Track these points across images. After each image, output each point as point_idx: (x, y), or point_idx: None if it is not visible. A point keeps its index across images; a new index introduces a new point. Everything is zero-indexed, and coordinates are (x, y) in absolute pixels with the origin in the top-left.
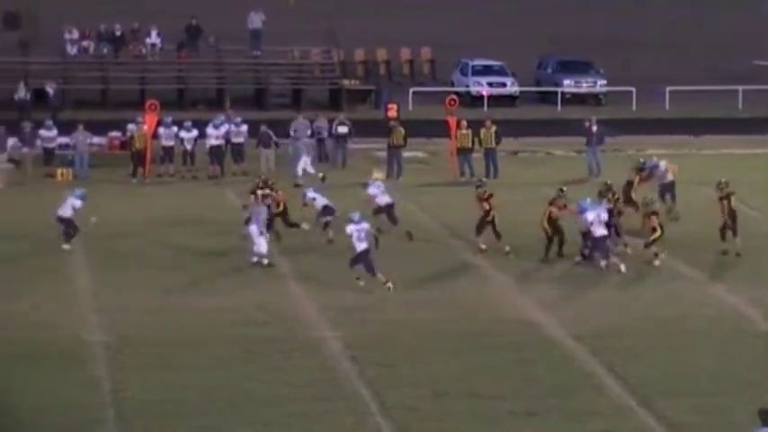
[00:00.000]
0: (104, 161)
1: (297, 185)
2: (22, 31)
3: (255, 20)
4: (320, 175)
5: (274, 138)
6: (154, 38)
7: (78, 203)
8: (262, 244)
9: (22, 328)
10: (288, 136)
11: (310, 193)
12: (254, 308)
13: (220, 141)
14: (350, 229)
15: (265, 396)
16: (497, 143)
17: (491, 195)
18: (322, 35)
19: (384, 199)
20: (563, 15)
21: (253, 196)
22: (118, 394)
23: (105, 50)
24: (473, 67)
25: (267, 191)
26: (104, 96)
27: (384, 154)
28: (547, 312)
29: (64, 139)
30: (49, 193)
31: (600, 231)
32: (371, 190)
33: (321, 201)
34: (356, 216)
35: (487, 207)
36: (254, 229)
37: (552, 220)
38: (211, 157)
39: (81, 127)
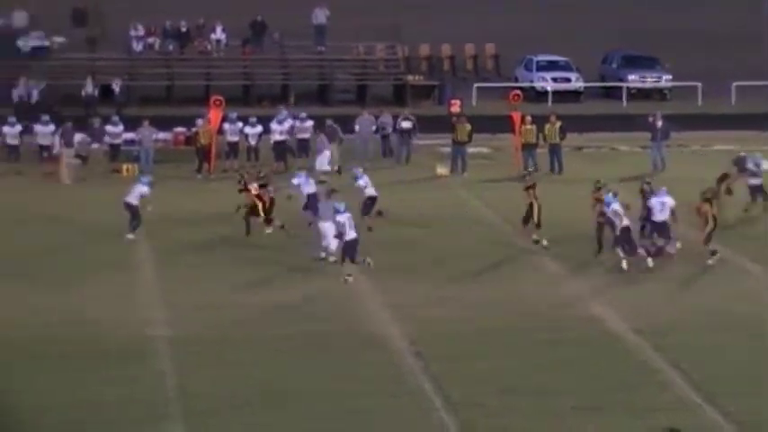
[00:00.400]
0: (169, 157)
1: (320, 182)
2: (89, 28)
3: (320, 15)
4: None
5: (340, 133)
6: (219, 34)
7: (146, 190)
8: (332, 241)
9: (86, 323)
10: (353, 131)
11: (295, 180)
12: (317, 303)
13: (284, 137)
14: (338, 219)
15: (329, 392)
16: (562, 139)
17: (534, 185)
18: (387, 31)
19: (370, 191)
20: (628, 10)
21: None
22: (182, 390)
23: (171, 47)
24: (537, 62)
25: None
26: (170, 92)
27: (448, 150)
28: (608, 307)
29: (129, 135)
30: (115, 188)
31: (625, 222)
32: (360, 182)
33: (307, 188)
34: (341, 207)
35: (531, 197)
36: (326, 225)
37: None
38: (275, 153)
39: (146, 123)
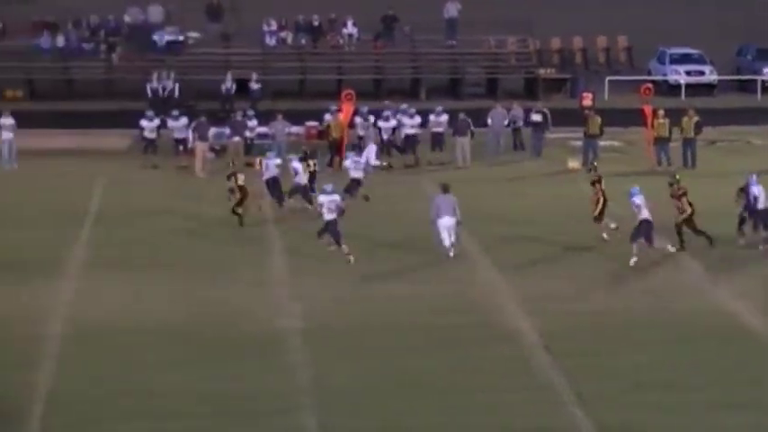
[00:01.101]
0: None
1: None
2: (224, 23)
3: (451, 9)
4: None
5: (472, 127)
6: (350, 28)
7: (278, 161)
8: (445, 238)
9: (222, 315)
10: (485, 125)
11: (295, 164)
12: (449, 296)
13: (416, 131)
14: (321, 199)
15: (459, 384)
16: (698, 133)
17: (600, 179)
18: (518, 24)
19: (356, 174)
20: (764, 2)
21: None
22: (314, 381)
23: (303, 41)
24: (671, 55)
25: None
26: (302, 86)
27: (580, 143)
28: (743, 301)
29: (262, 129)
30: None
31: (644, 215)
32: (348, 163)
33: (300, 177)
34: (329, 188)
35: (599, 192)
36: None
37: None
38: (406, 147)
39: (280, 117)
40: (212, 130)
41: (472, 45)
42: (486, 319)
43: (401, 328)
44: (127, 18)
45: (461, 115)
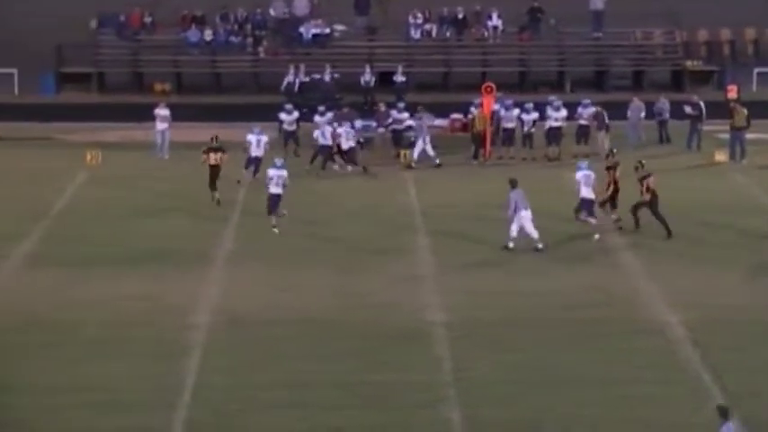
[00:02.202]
0: (446, 143)
1: (410, 167)
2: (370, 16)
3: (598, 1)
4: (437, 161)
5: (606, 120)
6: (495, 20)
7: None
8: (531, 231)
9: (369, 307)
10: (625, 118)
11: (250, 136)
12: (593, 290)
13: (559, 123)
14: (271, 172)
15: (603, 378)
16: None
17: (616, 165)
18: (665, 16)
19: (348, 143)
20: None
21: (204, 155)
22: (459, 374)
23: (448, 33)
24: None
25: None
26: (446, 79)
27: (727, 136)
28: None
29: (407, 122)
30: (393, 178)
31: (584, 193)
32: (340, 130)
33: (255, 150)
34: (279, 162)
35: (611, 177)
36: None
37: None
38: (549, 139)
39: (423, 109)
40: (357, 123)
41: (618, 37)
42: (630, 312)
43: (544, 322)
44: (272, 11)
45: (597, 108)
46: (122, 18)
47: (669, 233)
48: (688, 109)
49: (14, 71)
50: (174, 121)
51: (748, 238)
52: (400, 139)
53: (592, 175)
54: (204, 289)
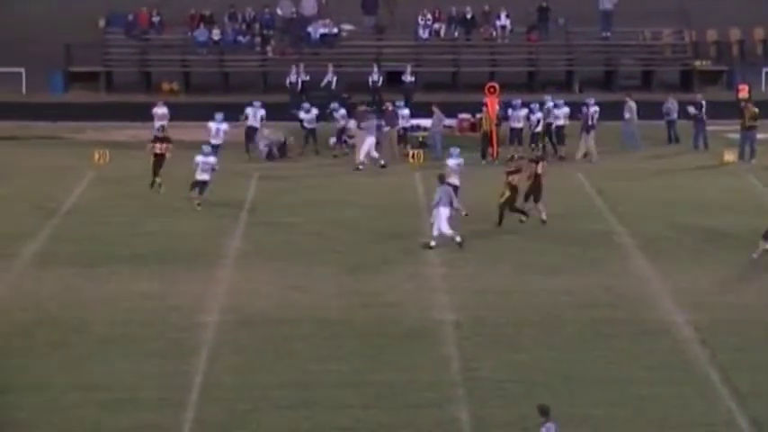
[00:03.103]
0: (455, 142)
1: (357, 169)
2: (378, 16)
3: (606, 1)
4: (381, 162)
5: (591, 121)
6: (504, 20)
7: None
8: (441, 227)
9: (377, 307)
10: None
11: (211, 124)
12: (601, 289)
13: (564, 122)
14: (197, 159)
15: (615, 378)
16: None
17: (517, 171)
18: (674, 15)
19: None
20: None
21: (150, 145)
22: (468, 373)
23: (456, 33)
24: None
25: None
26: (455, 79)
27: (736, 135)
28: None
29: (416, 121)
30: (405, 175)
31: (452, 179)
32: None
33: (214, 138)
34: (207, 149)
35: (509, 181)
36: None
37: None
38: (559, 138)
39: (436, 108)
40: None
41: (627, 37)
42: (638, 312)
43: (554, 322)
44: (280, 11)
45: (584, 110)
46: (131, 17)
47: (500, 223)
48: (691, 109)
49: (22, 70)
50: (181, 121)
51: (756, 238)
52: (406, 139)
53: (462, 161)
54: (212, 288)
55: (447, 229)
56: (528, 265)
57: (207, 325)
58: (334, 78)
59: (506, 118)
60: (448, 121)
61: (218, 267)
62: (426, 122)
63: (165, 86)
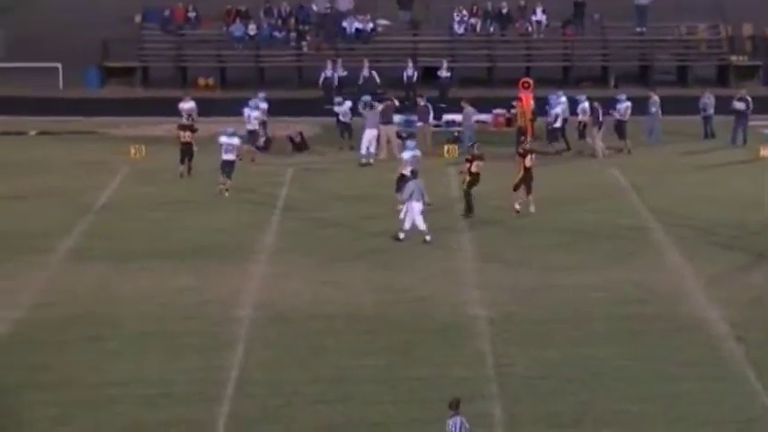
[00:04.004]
0: (489, 138)
1: (362, 165)
2: (414, 11)
3: None
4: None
5: (600, 117)
6: (539, 15)
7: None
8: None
9: (410, 302)
10: (671, 113)
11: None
12: (632, 284)
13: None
14: (221, 139)
15: (646, 374)
16: None
17: (474, 158)
18: (709, 10)
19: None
20: None
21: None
22: (501, 369)
23: (492, 29)
24: None
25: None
26: (490, 74)
27: None
28: None
29: (450, 116)
30: (438, 170)
31: (406, 172)
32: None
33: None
34: (230, 130)
35: (469, 168)
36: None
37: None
38: (617, 132)
39: (468, 104)
40: (399, 117)
41: (662, 32)
42: (671, 308)
43: (585, 318)
44: (315, 6)
45: (594, 104)
46: (167, 13)
47: (467, 213)
48: (738, 104)
49: (59, 65)
50: (217, 116)
51: None
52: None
53: (418, 154)
54: (246, 283)
55: (421, 224)
56: (558, 261)
57: (241, 320)
58: (375, 73)
59: (542, 113)
60: (482, 117)
61: (252, 262)
62: (460, 117)
63: (201, 81)
